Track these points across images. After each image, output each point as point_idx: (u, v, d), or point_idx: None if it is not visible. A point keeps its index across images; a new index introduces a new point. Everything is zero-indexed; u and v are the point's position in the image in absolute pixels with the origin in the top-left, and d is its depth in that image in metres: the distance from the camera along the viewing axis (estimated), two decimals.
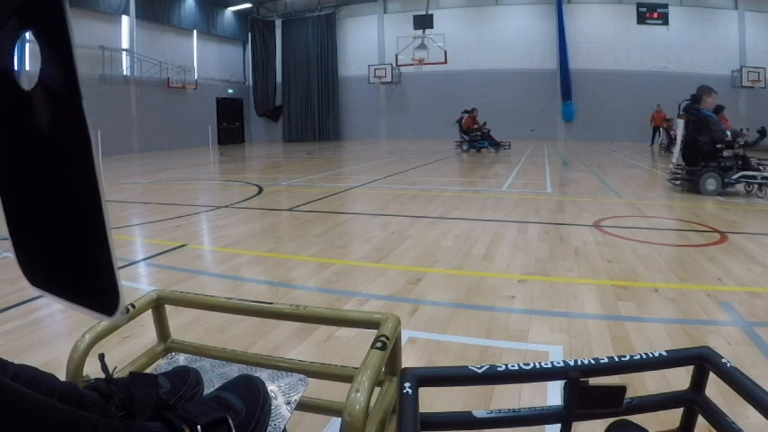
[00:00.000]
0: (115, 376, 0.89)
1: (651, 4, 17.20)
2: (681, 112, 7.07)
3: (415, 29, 18.69)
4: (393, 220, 4.78)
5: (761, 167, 6.55)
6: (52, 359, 1.91)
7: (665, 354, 0.98)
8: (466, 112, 14.02)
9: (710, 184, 6.55)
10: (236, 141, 21.60)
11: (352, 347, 2.06)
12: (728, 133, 6.64)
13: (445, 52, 18.27)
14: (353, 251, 3.74)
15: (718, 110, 10.58)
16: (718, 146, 6.57)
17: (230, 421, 0.80)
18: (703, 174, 6.59)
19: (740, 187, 6.70)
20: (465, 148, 13.59)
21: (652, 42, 17.86)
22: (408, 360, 1.93)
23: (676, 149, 7.13)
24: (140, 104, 16.40)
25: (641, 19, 17.28)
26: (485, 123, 13.80)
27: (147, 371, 1.15)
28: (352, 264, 3.37)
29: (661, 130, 13.76)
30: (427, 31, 18.54)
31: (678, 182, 6.99)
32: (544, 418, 1.00)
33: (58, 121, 0.48)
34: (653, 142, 16.41)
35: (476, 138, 13.54)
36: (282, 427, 0.95)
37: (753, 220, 4.91)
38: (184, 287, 2.79)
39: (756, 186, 6.55)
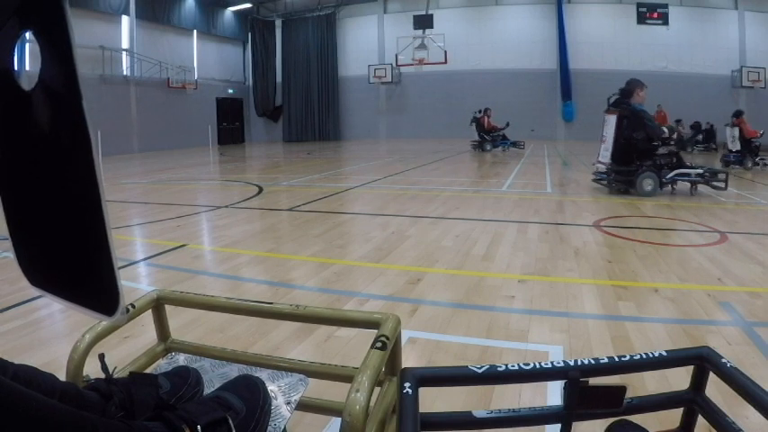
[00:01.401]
0: (115, 376, 0.89)
1: (651, 4, 17.19)
2: (609, 107, 6.69)
3: (415, 29, 18.69)
4: (393, 220, 4.78)
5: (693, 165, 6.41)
6: (52, 359, 1.91)
7: (665, 354, 0.98)
8: (479, 112, 14.06)
9: (648, 184, 6.27)
10: (236, 141, 21.59)
11: (352, 347, 2.06)
12: (665, 129, 6.36)
13: (445, 52, 18.27)
14: (353, 251, 3.74)
15: (738, 114, 10.54)
16: (655, 143, 6.28)
17: (230, 421, 0.80)
18: (640, 173, 6.28)
19: (684, 186, 6.47)
20: (488, 147, 13.76)
21: (652, 42, 17.86)
22: (408, 360, 1.93)
23: (602, 147, 6.76)
24: (140, 104, 16.40)
25: (641, 19, 17.27)
26: (507, 124, 13.88)
27: (147, 371, 1.15)
28: (352, 264, 3.37)
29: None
30: (427, 31, 18.53)
31: (605, 182, 6.72)
32: (544, 418, 1.00)
33: (58, 121, 0.48)
34: None
35: (498, 138, 13.81)
36: (282, 427, 0.95)
37: (753, 220, 4.91)
38: (184, 287, 2.79)
39: (691, 185, 6.36)
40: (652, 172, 6.30)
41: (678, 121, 6.14)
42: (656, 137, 6.27)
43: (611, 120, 6.53)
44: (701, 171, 6.30)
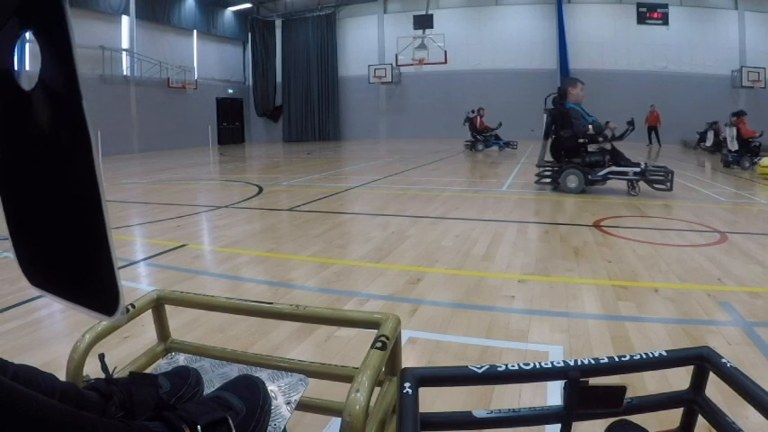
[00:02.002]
0: (115, 376, 0.89)
1: (651, 4, 17.18)
2: (548, 107, 6.77)
3: (415, 29, 18.68)
4: (393, 220, 4.78)
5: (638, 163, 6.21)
6: (52, 359, 1.91)
7: (665, 354, 0.98)
8: (472, 112, 14.16)
9: (572, 181, 6.28)
10: (236, 141, 21.59)
11: (352, 347, 2.06)
12: (590, 127, 6.23)
13: (445, 52, 18.26)
14: (353, 251, 3.74)
15: (738, 114, 10.47)
16: (581, 140, 6.22)
17: (230, 421, 0.80)
18: (564, 170, 6.32)
19: (623, 185, 6.36)
20: (480, 147, 13.77)
21: (652, 42, 17.85)
22: (408, 360, 1.93)
23: (545, 145, 6.81)
24: (140, 104, 16.40)
25: (641, 19, 17.26)
26: (500, 124, 13.93)
27: (147, 371, 1.15)
28: (352, 264, 3.37)
29: (708, 133, 13.73)
30: (427, 31, 18.53)
31: (545, 180, 6.79)
32: (544, 418, 1.00)
33: (58, 121, 0.48)
34: (650, 142, 16.49)
35: (490, 138, 13.86)
36: (282, 427, 0.95)
37: (753, 220, 4.91)
38: (184, 287, 2.79)
39: (629, 184, 6.23)
40: (576, 169, 6.29)
41: (602, 124, 6.24)
42: (580, 134, 6.24)
43: (546, 119, 6.71)
44: (638, 170, 6.12)
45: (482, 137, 13.85)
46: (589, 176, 6.25)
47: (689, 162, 11.50)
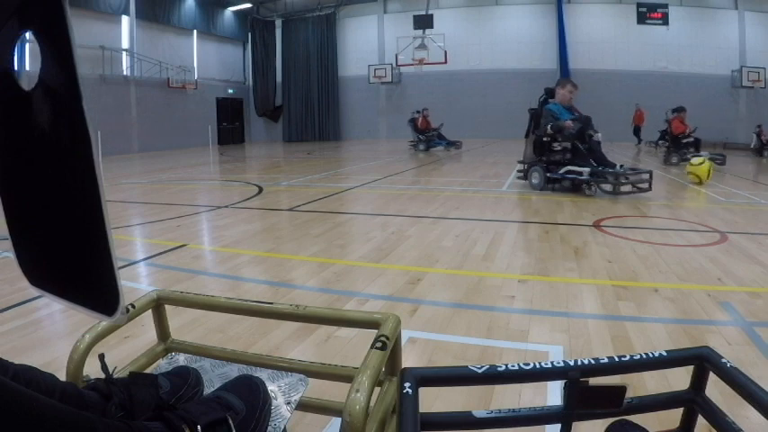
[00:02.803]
0: (115, 376, 0.89)
1: (651, 4, 17.18)
2: (533, 107, 7.09)
3: (415, 29, 18.68)
4: (393, 220, 4.78)
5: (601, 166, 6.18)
6: (52, 359, 1.91)
7: (665, 354, 0.98)
8: (417, 112, 14.46)
9: (534, 177, 6.72)
10: (236, 141, 21.59)
11: (352, 347, 2.06)
12: (548, 127, 6.44)
13: (445, 52, 18.26)
14: (353, 251, 3.74)
15: (677, 110, 10.72)
16: (545, 139, 6.55)
17: (230, 421, 0.80)
18: (530, 168, 6.79)
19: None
20: (422, 147, 13.97)
21: (652, 42, 17.85)
22: (408, 360, 1.93)
23: (527, 143, 7.08)
24: (140, 104, 16.40)
25: (641, 19, 17.26)
26: (441, 125, 14.26)
27: (147, 371, 1.15)
28: (353, 264, 3.37)
29: (754, 135, 13.92)
30: (427, 31, 18.53)
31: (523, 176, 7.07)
32: (544, 418, 1.00)
33: (58, 122, 0.48)
34: (639, 141, 16.77)
35: (432, 137, 14.03)
36: (282, 427, 0.95)
37: (753, 220, 4.90)
38: (184, 287, 2.79)
39: (582, 184, 6.31)
40: (539, 167, 6.68)
41: (559, 123, 6.71)
42: (543, 134, 6.58)
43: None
44: (589, 171, 6.18)
45: (424, 136, 14.05)
46: (548, 174, 6.56)
47: (627, 158, 11.58)
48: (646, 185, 6.01)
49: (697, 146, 10.50)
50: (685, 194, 6.62)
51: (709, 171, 7.42)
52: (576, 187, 6.43)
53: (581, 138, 6.33)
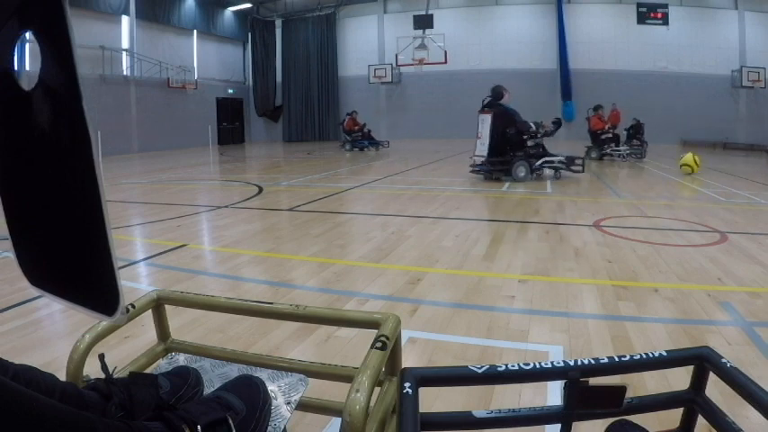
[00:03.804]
0: (115, 376, 0.89)
1: (651, 4, 17.17)
2: (483, 108, 7.83)
3: (415, 29, 18.65)
4: (393, 220, 4.78)
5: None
6: (52, 359, 1.91)
7: (665, 354, 0.98)
8: (347, 114, 15.43)
9: (521, 171, 7.52)
10: (236, 141, 21.57)
11: (352, 347, 2.06)
12: (532, 125, 7.64)
13: (445, 52, 18.25)
14: (353, 251, 3.74)
15: (595, 108, 11.52)
16: (524, 137, 7.55)
17: (230, 421, 0.80)
18: (515, 162, 7.52)
19: (549, 172, 7.83)
20: (348, 147, 14.76)
21: (652, 42, 17.84)
22: (408, 360, 1.93)
23: (478, 143, 7.84)
24: (140, 104, 16.38)
25: (641, 19, 17.24)
26: (365, 125, 15.03)
27: (147, 371, 1.15)
28: (353, 264, 3.37)
29: None
30: (427, 31, 18.51)
31: (482, 172, 7.78)
32: (544, 418, 1.00)
33: (58, 122, 0.48)
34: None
35: (357, 138, 14.75)
36: (282, 427, 0.95)
37: (753, 220, 4.91)
38: (184, 287, 2.79)
39: (554, 171, 7.75)
40: (524, 161, 7.58)
41: (539, 122, 7.85)
42: (525, 131, 7.58)
43: (487, 118, 7.69)
44: (562, 158, 7.73)
45: (350, 137, 14.85)
46: (532, 166, 7.59)
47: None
48: (580, 168, 7.79)
49: (617, 141, 11.31)
50: (678, 187, 6.63)
51: (695, 158, 8.60)
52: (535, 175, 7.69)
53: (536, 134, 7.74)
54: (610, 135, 11.25)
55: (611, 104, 16.89)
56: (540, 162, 7.62)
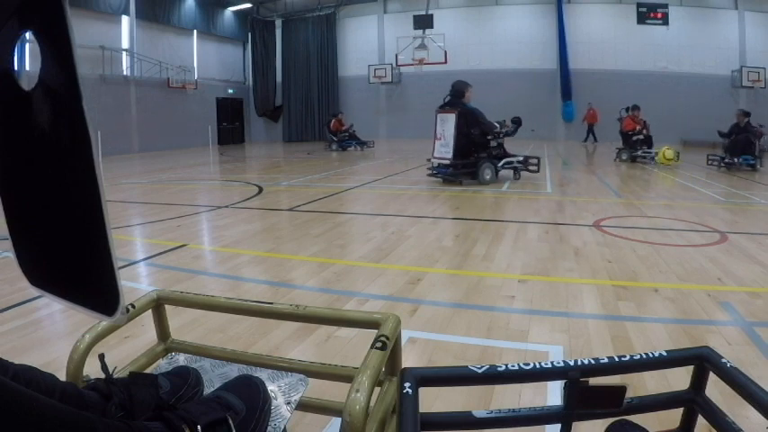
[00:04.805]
0: (115, 376, 0.89)
1: (651, 4, 17.17)
2: (445, 107, 7.45)
3: (415, 29, 18.65)
4: (393, 220, 4.78)
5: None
6: (52, 359, 1.91)
7: (665, 354, 0.98)
8: (333, 115, 15.83)
9: (487, 173, 7.25)
10: (236, 141, 21.57)
11: (352, 347, 2.06)
12: (497, 125, 7.43)
13: (445, 52, 18.24)
14: (353, 251, 3.74)
15: (629, 108, 11.21)
16: (489, 137, 7.29)
17: (230, 421, 0.80)
18: (480, 164, 7.21)
19: (508, 173, 7.65)
20: (334, 147, 14.94)
21: (652, 42, 17.84)
22: (408, 360, 1.93)
23: (438, 144, 7.41)
24: (140, 104, 16.38)
25: (641, 19, 17.24)
26: (351, 125, 15.31)
27: (147, 371, 1.15)
28: (353, 264, 3.37)
29: None
30: (427, 31, 18.50)
31: (440, 175, 7.37)
32: (544, 418, 1.00)
33: (58, 122, 0.48)
34: (586, 140, 17.52)
35: (344, 138, 15.01)
36: (282, 427, 0.95)
37: (753, 220, 4.91)
38: (184, 287, 2.79)
39: (514, 171, 7.59)
40: (490, 162, 7.32)
41: (501, 122, 7.73)
42: (489, 132, 7.31)
43: (449, 118, 7.24)
44: (521, 158, 7.60)
45: (336, 137, 15.04)
46: (496, 167, 7.39)
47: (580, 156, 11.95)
48: (536, 168, 7.66)
49: (649, 143, 10.93)
50: (678, 187, 6.63)
51: (669, 151, 9.63)
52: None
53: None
54: (641, 137, 10.80)
55: (587, 103, 17.24)
56: (502, 163, 7.45)
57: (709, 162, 10.01)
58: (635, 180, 8.13)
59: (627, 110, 11.21)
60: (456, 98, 7.31)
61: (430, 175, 7.59)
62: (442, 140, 7.30)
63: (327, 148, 15.50)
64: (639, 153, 10.73)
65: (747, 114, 9.98)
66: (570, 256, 3.51)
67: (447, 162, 7.24)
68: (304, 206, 5.65)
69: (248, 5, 20.95)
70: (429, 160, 7.67)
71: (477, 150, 7.28)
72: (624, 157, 10.88)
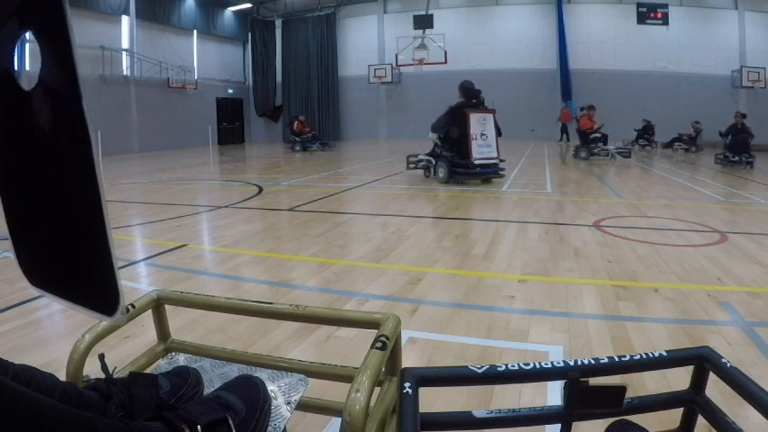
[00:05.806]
0: (115, 376, 0.89)
1: (651, 4, 17.17)
2: (484, 107, 7.90)
3: (415, 29, 18.66)
4: (393, 220, 4.78)
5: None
6: (52, 359, 1.91)
7: (665, 354, 0.98)
8: (295, 117, 16.65)
9: (441, 171, 7.52)
10: (236, 141, 21.58)
11: (352, 347, 2.06)
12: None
13: (445, 52, 18.25)
14: (353, 251, 3.74)
15: (586, 108, 11.70)
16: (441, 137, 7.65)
17: (230, 421, 0.80)
18: (437, 163, 7.61)
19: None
20: (297, 148, 15.54)
21: (652, 42, 17.84)
22: (408, 360, 1.93)
23: (477, 144, 7.59)
24: (140, 104, 16.38)
25: (641, 19, 17.24)
26: (312, 128, 16.54)
27: (147, 371, 1.15)
28: (353, 264, 3.37)
29: None
30: (427, 31, 18.51)
31: (491, 174, 7.66)
32: (544, 418, 1.00)
33: (58, 122, 0.48)
34: (561, 139, 17.80)
35: (307, 139, 15.78)
36: (282, 427, 0.95)
37: (753, 220, 4.91)
38: (184, 287, 2.79)
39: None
40: (443, 161, 7.55)
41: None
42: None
43: (489, 118, 7.55)
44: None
45: (299, 138, 15.68)
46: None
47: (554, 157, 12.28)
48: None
49: (605, 141, 11.43)
50: (678, 187, 6.63)
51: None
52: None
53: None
54: (598, 135, 11.48)
55: (560, 104, 17.49)
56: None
57: (716, 161, 10.83)
58: (635, 180, 8.12)
59: (582, 109, 11.72)
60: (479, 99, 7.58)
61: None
62: (482, 140, 7.40)
63: (291, 149, 16.01)
64: (596, 150, 11.35)
65: (744, 116, 10.80)
66: (570, 256, 3.51)
67: (496, 161, 7.50)
68: (304, 206, 5.65)
69: (248, 5, 20.95)
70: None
71: (450, 148, 7.59)
72: (583, 154, 11.42)
